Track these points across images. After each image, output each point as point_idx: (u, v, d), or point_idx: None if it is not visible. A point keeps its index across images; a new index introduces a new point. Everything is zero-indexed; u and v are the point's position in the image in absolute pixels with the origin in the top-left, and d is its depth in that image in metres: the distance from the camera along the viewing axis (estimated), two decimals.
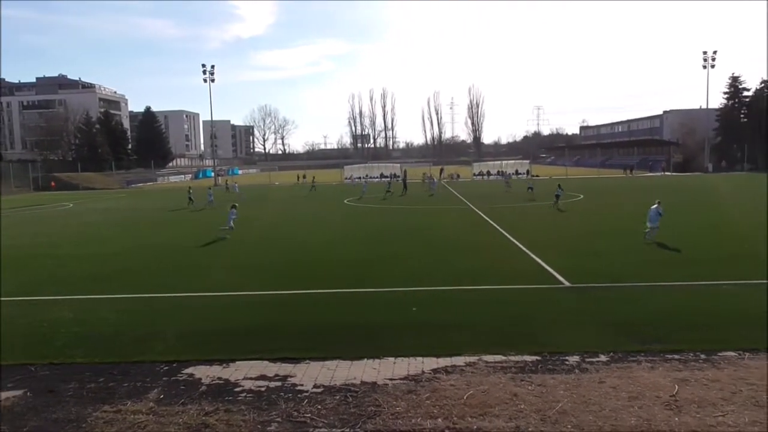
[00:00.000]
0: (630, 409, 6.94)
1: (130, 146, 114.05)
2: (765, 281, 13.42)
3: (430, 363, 8.73)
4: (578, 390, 7.56)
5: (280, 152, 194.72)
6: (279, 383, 8.13)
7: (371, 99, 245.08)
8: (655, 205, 20.45)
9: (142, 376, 8.54)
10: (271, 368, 8.71)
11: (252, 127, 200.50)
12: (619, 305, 12.12)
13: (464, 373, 8.32)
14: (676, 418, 6.65)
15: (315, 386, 7.97)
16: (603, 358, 8.85)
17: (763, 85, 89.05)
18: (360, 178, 78.18)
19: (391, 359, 8.94)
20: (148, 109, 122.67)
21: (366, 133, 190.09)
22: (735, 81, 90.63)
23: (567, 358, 8.84)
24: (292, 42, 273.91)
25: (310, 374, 8.43)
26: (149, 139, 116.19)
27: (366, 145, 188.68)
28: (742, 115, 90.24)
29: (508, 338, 9.89)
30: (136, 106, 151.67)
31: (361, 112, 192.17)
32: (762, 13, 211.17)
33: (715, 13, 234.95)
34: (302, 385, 8.04)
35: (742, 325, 10.36)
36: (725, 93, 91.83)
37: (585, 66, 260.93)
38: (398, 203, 40.90)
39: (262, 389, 7.92)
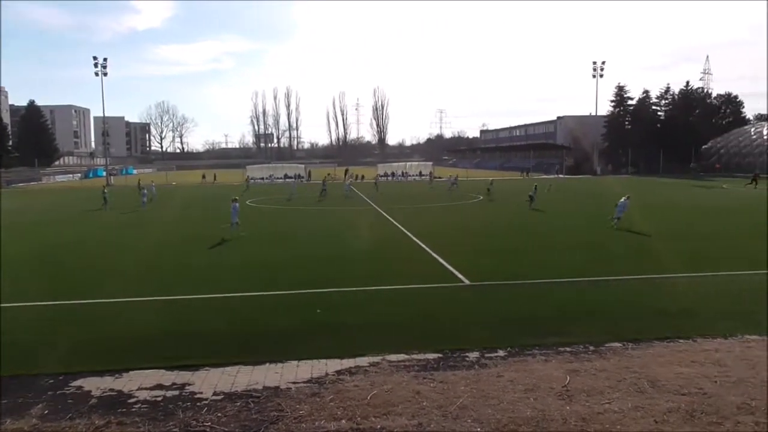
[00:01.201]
0: (526, 400, 7.23)
1: (10, 143, 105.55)
2: (647, 276, 14.50)
3: (333, 365, 8.68)
4: (478, 385, 7.79)
5: (178, 151, 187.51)
6: (176, 392, 7.78)
7: (275, 98, 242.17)
8: (623, 199, 24.42)
9: (24, 392, 7.89)
10: (168, 377, 8.33)
11: (148, 125, 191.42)
12: (516, 302, 12.64)
13: (368, 373, 8.34)
14: (568, 407, 6.99)
15: (215, 394, 7.70)
16: (501, 353, 9.17)
17: (644, 94, 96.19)
18: (263, 178, 76.79)
19: (294, 362, 8.81)
20: (31, 103, 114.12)
21: (269, 132, 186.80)
22: (621, 90, 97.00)
23: (467, 354, 9.09)
24: (192, 37, 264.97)
25: (209, 381, 8.14)
26: (33, 136, 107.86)
27: (270, 145, 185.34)
28: (626, 122, 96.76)
29: (411, 337, 10.03)
30: (17, 99, 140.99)
31: (264, 111, 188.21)
32: (648, 26, 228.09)
33: (604, 26, 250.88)
34: (201, 393, 7.74)
35: (627, 318, 11.11)
36: (612, 101, 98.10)
37: (485, 72, 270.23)
38: (308, 205, 40.53)
39: (159, 399, 7.55)
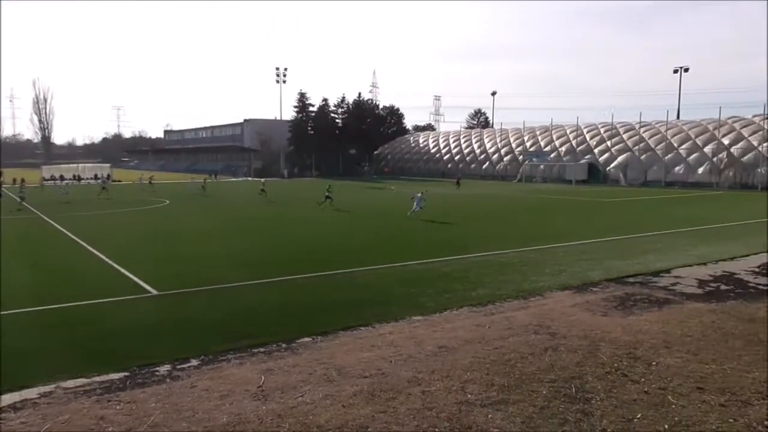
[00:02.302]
0: (222, 407, 7.10)
1: None
2: (343, 270, 15.62)
3: None
4: (170, 399, 7.38)
5: None
6: None
7: None
8: (419, 194, 29.05)
9: None
10: None
11: None
12: (209, 308, 12.36)
13: (38, 406, 7.22)
14: (264, 407, 7.09)
15: None
16: (194, 362, 8.85)
17: (323, 102, 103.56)
18: None
19: None
20: None
21: None
22: (303, 97, 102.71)
23: (158, 368, 8.55)
24: None
25: None
26: None
27: None
28: (309, 128, 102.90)
29: (90, 359, 9.03)
30: None
31: None
32: (328, 33, 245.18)
33: (286, 33, 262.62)
34: None
35: (316, 312, 11.77)
36: (295, 107, 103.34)
37: (167, 70, 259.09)
38: None
39: None
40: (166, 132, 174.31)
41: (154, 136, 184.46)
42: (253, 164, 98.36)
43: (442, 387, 7.61)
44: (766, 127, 60.50)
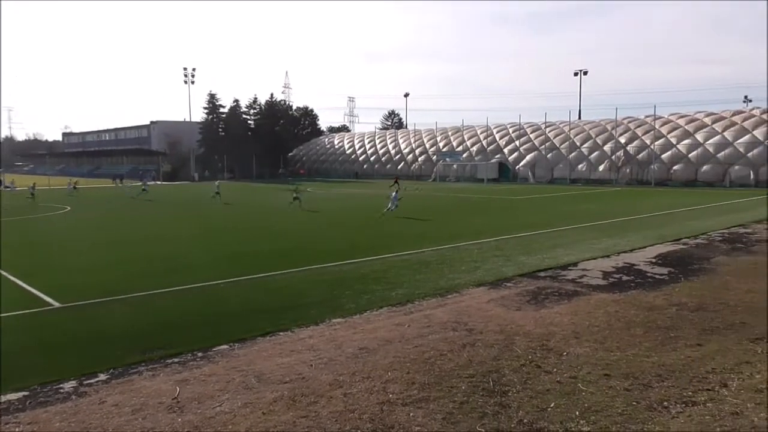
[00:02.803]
0: (134, 422, 6.76)
1: None
2: (260, 275, 15.27)
3: None
4: (77, 417, 6.95)
5: None
6: None
7: None
8: (394, 193, 31.90)
9: None
10: None
11: None
12: (118, 318, 11.74)
13: None
14: (180, 419, 6.81)
15: None
16: (103, 377, 8.38)
17: (235, 103, 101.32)
18: None
19: None
20: None
21: None
22: (212, 98, 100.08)
23: (62, 386, 8.02)
24: None
25: None
26: None
27: None
28: (220, 129, 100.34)
29: None
30: None
31: None
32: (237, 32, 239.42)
33: (194, 32, 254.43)
34: None
35: (234, 319, 11.45)
36: (205, 108, 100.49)
37: (65, 69, 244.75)
38: None
39: None
40: (64, 135, 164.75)
41: (51, 139, 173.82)
42: (162, 167, 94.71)
43: (363, 388, 7.60)
44: (656, 126, 64.97)
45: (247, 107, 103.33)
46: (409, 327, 10.51)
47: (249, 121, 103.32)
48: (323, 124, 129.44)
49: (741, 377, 7.70)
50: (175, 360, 9.03)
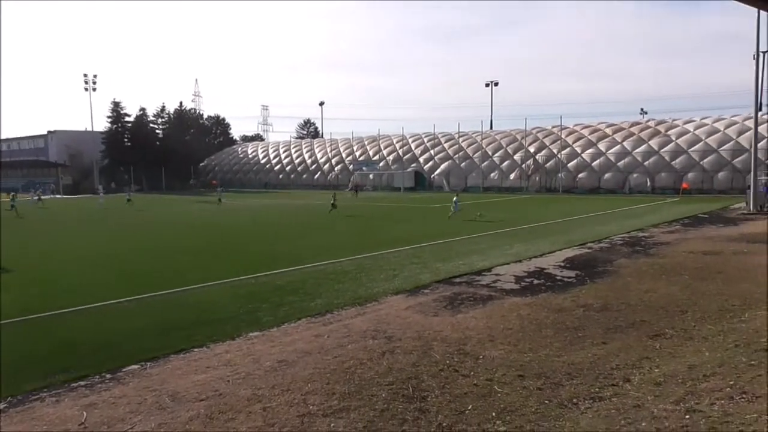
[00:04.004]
0: None
1: None
2: (171, 290, 14.67)
3: None
4: None
5: None
6: None
7: None
8: (455, 198, 36.42)
9: None
10: None
11: None
12: (12, 343, 10.94)
13: None
14: None
15: None
16: (1, 405, 7.79)
17: (141, 112, 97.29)
18: None
19: None
20: None
21: None
22: (117, 106, 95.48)
23: None
24: None
25: None
26: None
27: None
28: (126, 139, 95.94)
29: None
30: None
31: None
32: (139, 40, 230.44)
33: (94, 37, 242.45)
34: None
35: (139, 338, 10.95)
36: (109, 117, 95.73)
37: None
38: None
39: None
40: None
41: None
42: (63, 180, 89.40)
43: (283, 401, 7.49)
44: (563, 136, 68.30)
45: (154, 116, 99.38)
46: (328, 337, 10.47)
47: (157, 131, 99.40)
48: (236, 133, 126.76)
49: (642, 372, 8.20)
50: (81, 383, 8.54)
